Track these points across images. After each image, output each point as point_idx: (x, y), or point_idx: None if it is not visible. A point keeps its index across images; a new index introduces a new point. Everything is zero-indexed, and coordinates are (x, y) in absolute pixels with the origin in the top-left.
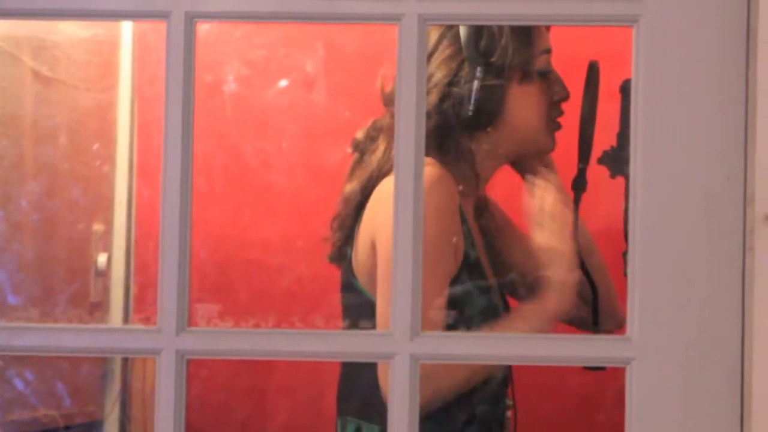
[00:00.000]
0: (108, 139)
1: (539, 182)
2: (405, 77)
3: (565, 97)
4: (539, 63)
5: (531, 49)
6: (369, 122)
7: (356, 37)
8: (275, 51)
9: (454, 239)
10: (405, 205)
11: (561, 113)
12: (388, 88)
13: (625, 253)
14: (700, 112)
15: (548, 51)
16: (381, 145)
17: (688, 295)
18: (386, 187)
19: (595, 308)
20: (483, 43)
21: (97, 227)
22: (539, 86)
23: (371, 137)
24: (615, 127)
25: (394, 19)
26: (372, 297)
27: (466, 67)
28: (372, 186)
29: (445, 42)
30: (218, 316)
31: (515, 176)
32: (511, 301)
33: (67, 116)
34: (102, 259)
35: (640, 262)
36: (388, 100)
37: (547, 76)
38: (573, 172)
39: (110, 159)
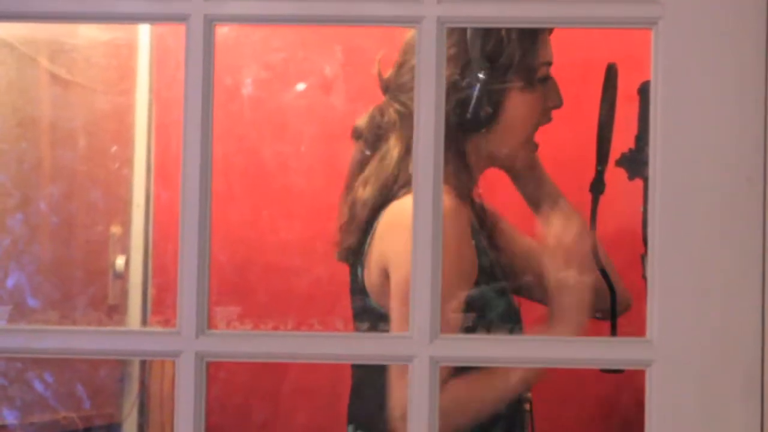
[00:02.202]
0: (126, 141)
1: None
2: (424, 82)
3: (558, 104)
4: (539, 73)
5: (535, 57)
6: (369, 109)
7: (375, 40)
8: (294, 54)
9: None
10: (425, 209)
11: (549, 120)
12: (386, 74)
13: (643, 256)
14: (719, 114)
15: (549, 63)
16: (394, 149)
17: (707, 298)
18: (397, 211)
19: (614, 311)
20: (489, 46)
21: (115, 230)
22: (537, 94)
23: (376, 133)
24: (633, 129)
25: (413, 21)
26: (384, 311)
27: (469, 69)
28: (389, 194)
29: (449, 41)
30: (237, 319)
31: (505, 177)
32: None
33: (85, 119)
34: (120, 261)
35: (659, 265)
36: (386, 87)
37: (545, 82)
38: (591, 174)
39: (128, 161)
